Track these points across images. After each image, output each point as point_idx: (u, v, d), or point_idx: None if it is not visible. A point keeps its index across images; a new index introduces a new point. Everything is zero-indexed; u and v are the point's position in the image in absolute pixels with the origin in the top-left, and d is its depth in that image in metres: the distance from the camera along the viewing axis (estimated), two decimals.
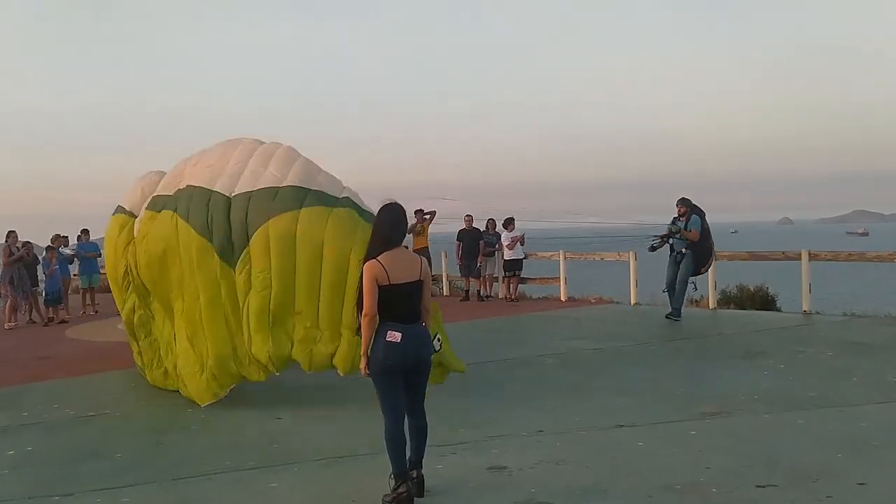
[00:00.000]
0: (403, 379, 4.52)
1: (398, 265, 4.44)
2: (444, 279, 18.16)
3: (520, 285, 16.75)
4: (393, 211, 4.58)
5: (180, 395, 7.58)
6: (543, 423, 6.25)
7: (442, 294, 17.84)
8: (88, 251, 16.43)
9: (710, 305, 13.69)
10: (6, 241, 15.16)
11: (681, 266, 11.93)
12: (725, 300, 17.68)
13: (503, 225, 16.59)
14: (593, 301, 15.59)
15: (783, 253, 12.81)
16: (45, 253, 15.82)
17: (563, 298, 15.83)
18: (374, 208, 5.23)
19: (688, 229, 11.77)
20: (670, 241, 12.07)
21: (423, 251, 17.96)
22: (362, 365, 4.50)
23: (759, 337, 10.31)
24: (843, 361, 8.41)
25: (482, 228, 16.92)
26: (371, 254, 4.48)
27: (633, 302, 14.81)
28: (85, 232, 16.70)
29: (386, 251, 4.45)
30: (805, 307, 12.36)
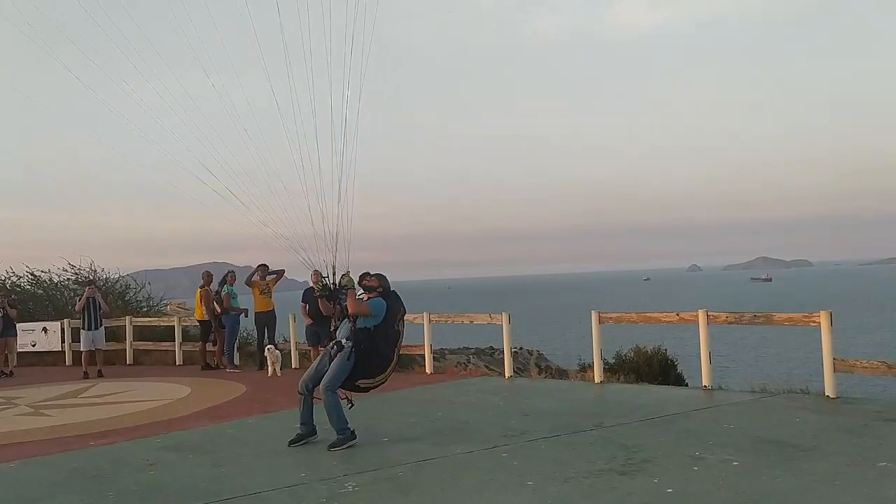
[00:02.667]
0: None
1: None
2: (292, 348, 15.18)
3: None
4: None
5: None
6: None
7: (290, 366, 14.83)
8: None
9: (596, 378, 11.23)
10: None
11: (333, 363, 7.68)
12: (620, 365, 15.47)
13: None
14: (462, 373, 12.98)
15: (677, 315, 10.49)
16: None
17: (428, 370, 13.15)
18: None
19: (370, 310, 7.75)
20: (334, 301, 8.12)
21: (267, 315, 15.09)
22: None
23: (646, 431, 7.83)
24: (755, 479, 5.93)
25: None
26: None
27: (507, 374, 12.25)
28: None
29: None
30: (705, 382, 10.05)
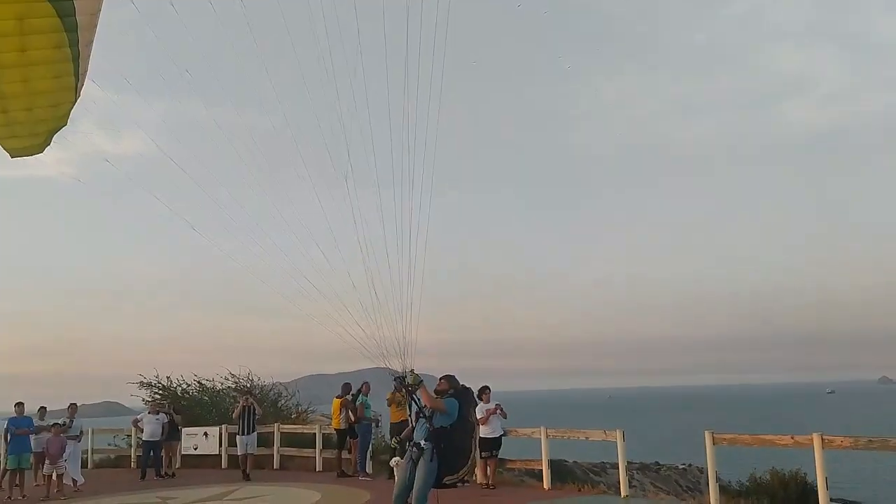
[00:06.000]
0: None
1: None
2: None
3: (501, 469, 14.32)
4: None
5: None
6: None
7: None
8: (20, 427, 14.98)
9: (712, 501, 10.93)
10: None
11: (419, 470, 7.94)
12: (755, 488, 14.79)
13: (478, 395, 14.38)
14: (580, 490, 12.98)
15: (792, 438, 10.16)
16: None
17: (545, 486, 13.27)
18: None
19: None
20: (411, 402, 8.30)
21: (401, 426, 15.79)
22: None
23: None
24: None
25: None
26: None
27: (623, 494, 12.15)
28: (19, 405, 15.37)
29: None
30: None
